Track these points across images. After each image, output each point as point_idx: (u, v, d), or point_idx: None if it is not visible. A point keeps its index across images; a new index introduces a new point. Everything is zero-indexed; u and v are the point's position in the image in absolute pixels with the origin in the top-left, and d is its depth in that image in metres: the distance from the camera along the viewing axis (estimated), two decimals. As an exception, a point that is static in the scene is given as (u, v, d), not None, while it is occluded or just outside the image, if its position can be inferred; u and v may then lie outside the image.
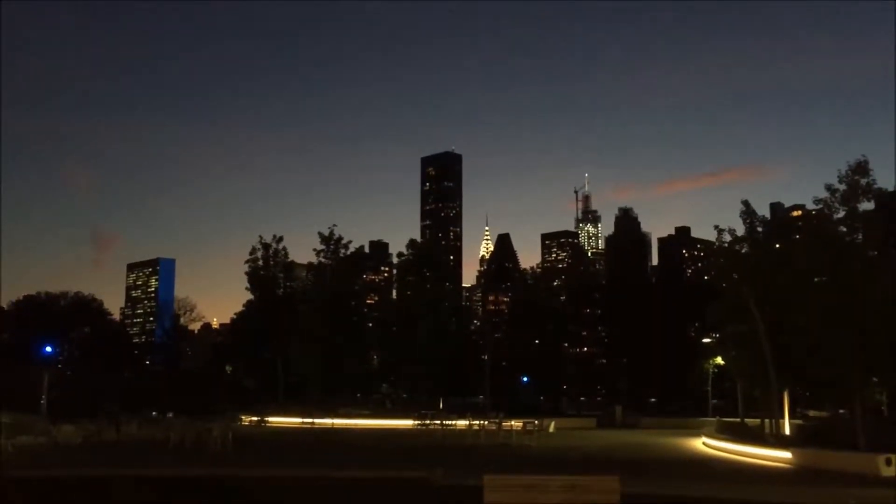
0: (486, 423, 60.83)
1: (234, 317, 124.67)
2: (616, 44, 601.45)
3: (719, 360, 75.92)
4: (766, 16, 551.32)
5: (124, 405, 72.13)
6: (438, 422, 64.90)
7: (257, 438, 55.43)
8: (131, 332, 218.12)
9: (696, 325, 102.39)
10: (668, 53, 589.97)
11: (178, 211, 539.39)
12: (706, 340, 79.88)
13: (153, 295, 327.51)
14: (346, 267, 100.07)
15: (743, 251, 51.49)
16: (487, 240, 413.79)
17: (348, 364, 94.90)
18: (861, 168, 42.02)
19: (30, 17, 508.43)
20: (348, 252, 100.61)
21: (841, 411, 62.13)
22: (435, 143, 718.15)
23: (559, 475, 22.59)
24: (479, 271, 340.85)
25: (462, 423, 63.19)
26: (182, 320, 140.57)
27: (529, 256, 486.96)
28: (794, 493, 26.12)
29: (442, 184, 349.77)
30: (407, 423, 70.44)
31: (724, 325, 58.34)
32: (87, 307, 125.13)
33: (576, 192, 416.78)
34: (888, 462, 32.36)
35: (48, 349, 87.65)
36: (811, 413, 77.38)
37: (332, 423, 73.38)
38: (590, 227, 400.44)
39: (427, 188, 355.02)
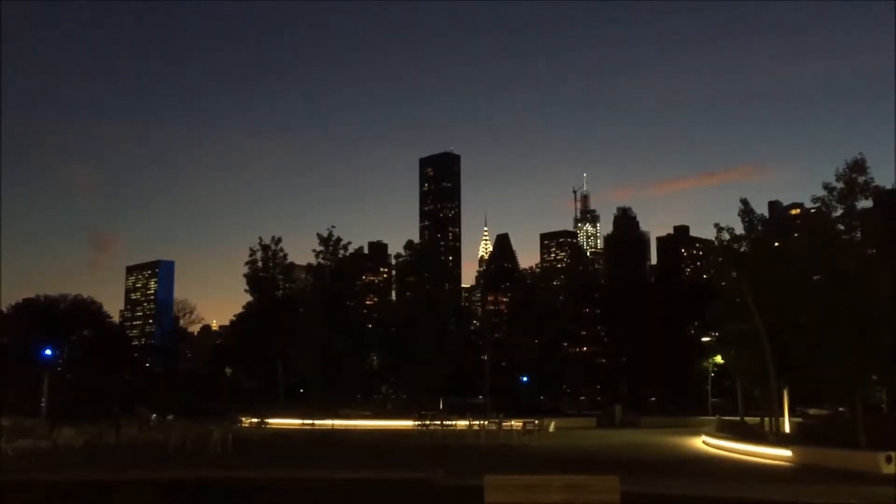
0: (487, 423, 60.82)
1: (234, 318, 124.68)
2: (614, 43, 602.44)
3: (719, 358, 75.94)
4: (765, 15, 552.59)
5: (124, 407, 72.06)
6: (439, 422, 64.87)
7: (258, 440, 55.43)
8: (131, 334, 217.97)
9: (696, 323, 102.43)
10: (667, 53, 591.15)
11: (178, 213, 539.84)
12: (706, 339, 79.96)
13: (153, 297, 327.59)
14: (345, 268, 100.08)
15: (742, 250, 51.53)
16: (486, 240, 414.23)
17: (348, 365, 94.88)
18: (858, 166, 42.11)
19: (31, 18, 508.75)
20: (347, 253, 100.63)
21: (841, 409, 62.15)
22: (433, 144, 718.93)
23: (560, 475, 22.62)
24: (479, 272, 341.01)
25: (462, 424, 63.20)
26: (182, 322, 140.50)
27: (528, 256, 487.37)
28: (794, 492, 26.13)
29: (441, 184, 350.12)
30: (407, 423, 70.41)
31: (724, 324, 58.40)
32: (87, 310, 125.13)
33: (574, 191, 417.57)
34: (889, 460, 32.40)
35: (48, 352, 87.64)
36: (811, 411, 77.42)
37: (333, 425, 73.36)
38: (589, 227, 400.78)
39: (426, 189, 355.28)
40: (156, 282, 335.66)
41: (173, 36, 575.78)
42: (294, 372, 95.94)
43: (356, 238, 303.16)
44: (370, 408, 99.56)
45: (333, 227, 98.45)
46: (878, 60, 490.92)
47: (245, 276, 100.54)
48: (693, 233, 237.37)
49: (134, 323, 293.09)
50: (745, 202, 51.39)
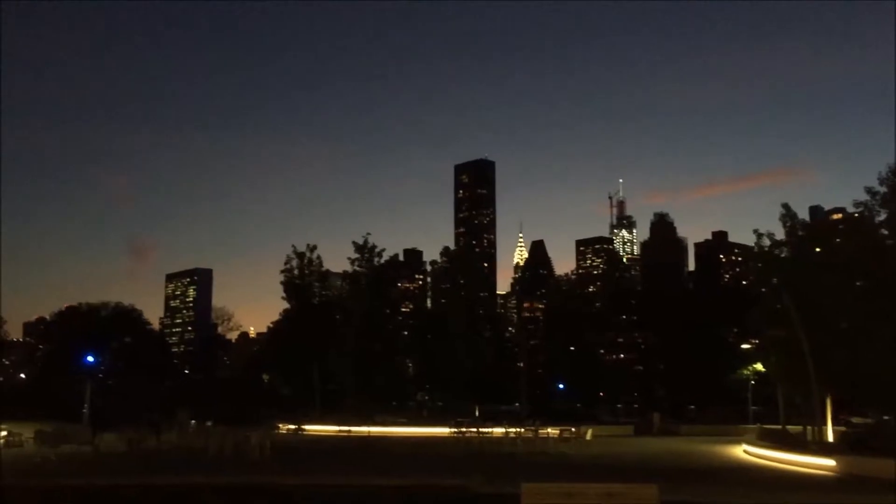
0: (523, 430, 60.56)
1: (271, 325, 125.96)
2: (649, 47, 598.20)
3: (759, 366, 74.80)
4: (803, 16, 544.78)
5: (164, 413, 73.03)
6: (475, 429, 64.73)
7: (295, 446, 55.78)
8: (171, 341, 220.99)
9: (735, 330, 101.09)
10: (703, 55, 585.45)
11: (216, 221, 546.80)
12: (746, 346, 78.82)
13: (191, 304, 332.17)
14: (381, 275, 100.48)
15: (782, 255, 50.78)
16: (521, 247, 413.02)
17: (383, 372, 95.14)
18: (902, 170, 41.33)
19: (70, 28, 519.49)
20: (383, 260, 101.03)
21: (885, 417, 60.86)
22: (468, 151, 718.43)
23: (598, 483, 22.47)
24: (514, 278, 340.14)
25: (499, 431, 63.03)
26: (220, 329, 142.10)
27: (564, 263, 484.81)
28: (837, 502, 25.65)
29: (475, 191, 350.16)
30: (443, 430, 70.33)
31: (764, 331, 57.52)
32: (128, 317, 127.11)
33: (610, 197, 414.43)
34: (935, 470, 31.58)
35: (90, 358, 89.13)
36: (855, 419, 75.78)
37: (369, 431, 73.57)
38: (625, 233, 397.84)
39: (461, 195, 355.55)
40: (194, 289, 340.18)
41: (212, 44, 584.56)
42: (330, 379, 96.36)
43: (391, 245, 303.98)
44: (406, 414, 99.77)
45: (369, 234, 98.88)
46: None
47: (282, 283, 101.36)
48: (732, 238, 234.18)
49: (174, 330, 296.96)
50: (786, 207, 50.70)
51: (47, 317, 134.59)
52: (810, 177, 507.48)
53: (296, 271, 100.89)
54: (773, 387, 69.46)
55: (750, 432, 65.46)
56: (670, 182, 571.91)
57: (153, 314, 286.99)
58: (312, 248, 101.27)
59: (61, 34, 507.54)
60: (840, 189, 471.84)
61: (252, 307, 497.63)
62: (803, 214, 57.73)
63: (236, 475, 33.84)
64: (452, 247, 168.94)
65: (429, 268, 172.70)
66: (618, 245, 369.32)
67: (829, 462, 38.83)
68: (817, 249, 50.77)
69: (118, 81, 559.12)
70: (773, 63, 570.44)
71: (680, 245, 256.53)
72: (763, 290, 54.81)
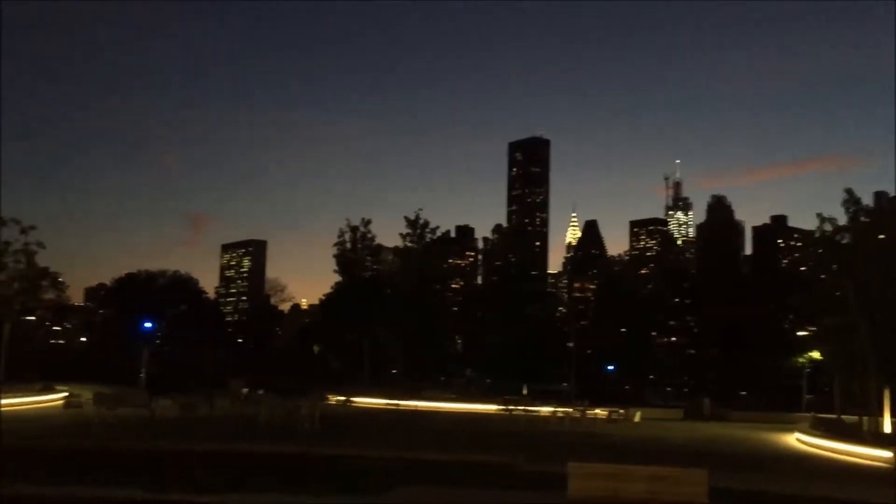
0: (571, 410, 60.41)
1: (323, 298, 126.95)
2: (708, 24, 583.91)
3: (816, 354, 73.15)
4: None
5: (217, 381, 74.53)
6: (522, 408, 64.76)
7: (343, 418, 56.53)
8: (225, 310, 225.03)
9: (791, 317, 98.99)
10: (763, 35, 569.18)
11: (271, 195, 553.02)
12: (801, 333, 77.09)
13: (246, 275, 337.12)
14: (432, 251, 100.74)
15: (844, 241, 49.41)
16: (574, 226, 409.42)
17: (433, 347, 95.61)
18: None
19: (123, 9, 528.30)
20: (434, 237, 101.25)
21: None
22: (522, 128, 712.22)
23: (645, 465, 22.24)
24: (566, 258, 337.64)
25: (546, 410, 62.99)
26: (273, 300, 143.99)
27: (617, 244, 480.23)
28: (890, 495, 24.99)
29: (529, 169, 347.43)
30: (491, 408, 70.54)
31: (821, 318, 56.18)
32: (185, 286, 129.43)
33: (666, 178, 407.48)
34: None
35: (147, 325, 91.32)
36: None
37: (417, 406, 74.14)
38: (680, 215, 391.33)
39: (514, 173, 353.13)
40: (249, 260, 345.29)
41: (264, 20, 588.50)
42: (380, 352, 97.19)
43: (443, 222, 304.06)
44: (454, 391, 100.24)
45: (421, 209, 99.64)
46: None
47: (334, 256, 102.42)
48: (792, 223, 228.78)
49: (228, 299, 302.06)
50: (849, 192, 49.30)
51: (107, 283, 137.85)
52: (875, 162, 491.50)
53: (348, 245, 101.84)
54: (829, 375, 67.97)
55: (803, 421, 64.15)
56: (729, 164, 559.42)
57: (209, 283, 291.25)
58: (366, 223, 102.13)
59: (114, 15, 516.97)
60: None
61: (305, 279, 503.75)
62: (867, 200, 55.96)
63: (285, 444, 34.42)
64: (504, 225, 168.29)
65: (480, 245, 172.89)
66: (673, 227, 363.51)
67: (886, 454, 37.87)
68: (881, 236, 49.25)
69: (179, 60, 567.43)
70: (839, 45, 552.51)
71: (737, 228, 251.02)
72: (822, 276, 53.41)
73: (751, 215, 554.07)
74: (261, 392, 69.17)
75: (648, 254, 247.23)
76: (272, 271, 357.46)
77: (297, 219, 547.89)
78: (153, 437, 35.71)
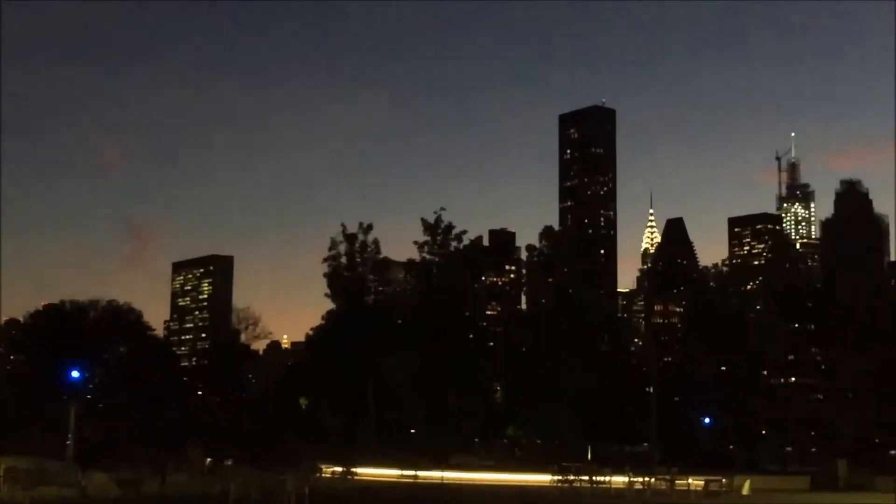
0: (653, 480, 59.98)
1: (311, 333, 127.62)
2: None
3: None
4: None
5: (171, 448, 74.77)
6: (586, 477, 64.51)
7: (342, 497, 56.41)
8: (179, 351, 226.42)
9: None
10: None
11: (237, 194, 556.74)
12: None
13: (205, 303, 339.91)
14: (458, 264, 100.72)
15: None
16: (652, 226, 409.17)
17: (462, 397, 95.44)
18: None
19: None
20: (461, 245, 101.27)
21: None
22: (578, 95, 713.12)
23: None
24: (641, 270, 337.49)
25: (619, 481, 62.65)
26: (243, 337, 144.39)
27: (711, 249, 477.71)
28: None
29: (588, 150, 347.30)
30: (543, 478, 70.26)
31: None
32: (124, 319, 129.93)
33: (778, 159, 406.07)
34: None
35: (75, 374, 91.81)
36: None
37: (443, 478, 73.94)
38: (798, 208, 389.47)
39: (568, 157, 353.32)
40: (210, 283, 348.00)
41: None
42: (390, 403, 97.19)
43: (473, 225, 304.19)
44: (492, 455, 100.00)
45: (443, 209, 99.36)
46: None
47: (325, 276, 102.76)
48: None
49: (183, 337, 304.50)
50: None
51: (20, 318, 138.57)
52: None
53: (344, 259, 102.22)
54: None
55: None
56: (861, 138, 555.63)
57: (157, 316, 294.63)
58: (367, 229, 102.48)
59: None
60: None
61: (286, 308, 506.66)
62: None
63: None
64: (556, 227, 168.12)
65: (524, 255, 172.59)
66: (788, 225, 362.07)
67: None
68: None
69: (105, 15, 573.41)
70: None
71: (878, 225, 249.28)
72: None
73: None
74: (229, 462, 69.28)
75: (756, 262, 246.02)
76: (241, 298, 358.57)
77: (272, 227, 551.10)
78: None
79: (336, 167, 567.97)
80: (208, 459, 72.87)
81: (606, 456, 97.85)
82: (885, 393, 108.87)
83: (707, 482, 58.55)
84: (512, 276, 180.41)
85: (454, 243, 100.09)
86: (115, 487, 52.49)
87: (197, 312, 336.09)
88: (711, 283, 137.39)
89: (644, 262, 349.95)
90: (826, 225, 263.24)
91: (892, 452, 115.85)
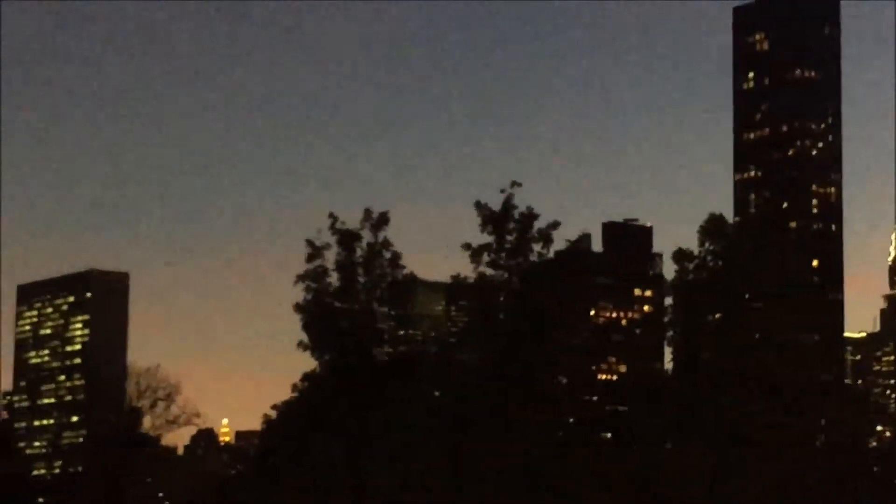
0: None
1: (272, 414, 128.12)
2: None
3: None
4: None
5: None
6: None
7: None
8: (32, 448, 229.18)
9: None
10: None
11: (128, 171, 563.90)
12: None
13: (76, 358, 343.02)
14: (546, 284, 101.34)
15: None
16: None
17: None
18: None
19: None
20: (549, 250, 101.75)
21: None
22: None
23: None
24: (890, 298, 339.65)
25: None
26: (149, 422, 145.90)
27: None
28: None
29: (787, 72, 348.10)
30: None
31: None
32: None
33: None
34: None
35: None
36: None
37: None
38: None
39: (747, 85, 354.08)
40: (84, 322, 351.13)
41: None
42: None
43: (571, 215, 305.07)
44: None
45: (517, 185, 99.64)
46: None
47: (298, 309, 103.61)
48: None
49: (37, 423, 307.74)
50: None
51: None
52: None
53: (334, 278, 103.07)
54: None
55: None
56: None
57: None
58: (379, 221, 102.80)
59: None
60: None
61: (228, 368, 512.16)
62: None
63: None
64: (729, 213, 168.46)
65: (669, 268, 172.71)
66: None
67: None
68: None
69: None
70: None
71: None
72: None
73: None
74: None
75: None
76: (142, 352, 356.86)
77: (203, 224, 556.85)
78: None
79: (310, 122, 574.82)
80: None
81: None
82: None
83: None
84: (646, 307, 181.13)
85: (537, 246, 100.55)
86: None
87: (62, 377, 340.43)
88: None
89: (894, 277, 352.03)
90: None
91: None
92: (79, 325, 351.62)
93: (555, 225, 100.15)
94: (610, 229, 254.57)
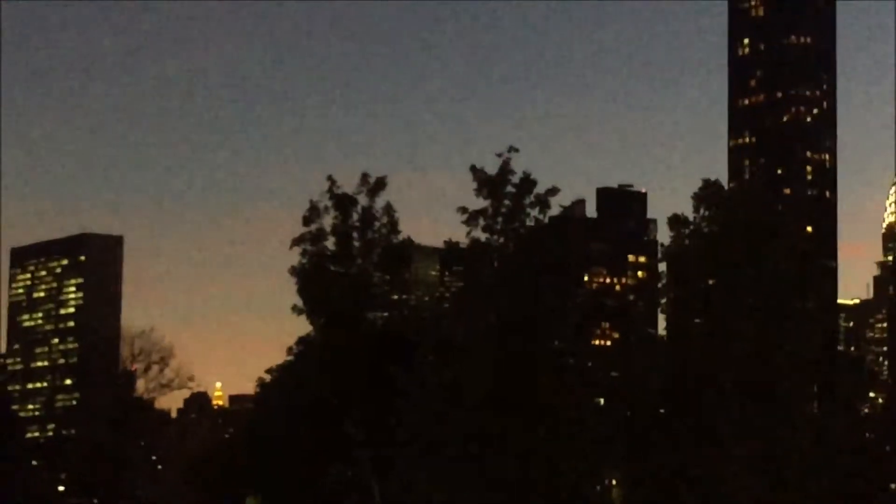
0: None
1: (267, 377, 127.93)
2: None
3: None
4: None
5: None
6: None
7: None
8: (24, 412, 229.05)
9: None
10: None
11: (120, 136, 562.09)
12: None
13: (70, 322, 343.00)
14: (541, 249, 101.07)
15: None
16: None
17: (557, 496, 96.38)
18: None
19: None
20: (546, 214, 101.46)
21: None
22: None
23: None
24: (884, 265, 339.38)
25: None
26: (142, 386, 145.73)
27: None
28: None
29: (780, 39, 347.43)
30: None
31: None
32: None
33: None
34: None
35: None
36: None
37: None
38: None
39: (742, 51, 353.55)
40: (78, 285, 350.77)
41: None
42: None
43: (569, 180, 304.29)
44: None
45: (514, 150, 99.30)
46: None
47: (294, 272, 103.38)
48: None
49: (30, 386, 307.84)
50: None
51: None
52: None
53: (331, 242, 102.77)
54: None
55: None
56: None
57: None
58: (376, 186, 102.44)
59: None
60: None
61: (220, 335, 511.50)
62: None
63: None
64: (724, 179, 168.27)
65: (664, 235, 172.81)
66: None
67: None
68: None
69: None
70: None
71: None
72: None
73: None
74: None
75: None
76: (137, 315, 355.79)
77: (198, 187, 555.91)
78: None
79: (306, 80, 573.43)
80: None
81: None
82: None
83: None
84: (640, 273, 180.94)
85: (534, 211, 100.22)
86: None
87: (55, 340, 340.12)
88: None
89: (888, 247, 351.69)
90: None
91: None
92: (72, 289, 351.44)
93: (553, 191, 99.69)
94: (604, 195, 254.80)
